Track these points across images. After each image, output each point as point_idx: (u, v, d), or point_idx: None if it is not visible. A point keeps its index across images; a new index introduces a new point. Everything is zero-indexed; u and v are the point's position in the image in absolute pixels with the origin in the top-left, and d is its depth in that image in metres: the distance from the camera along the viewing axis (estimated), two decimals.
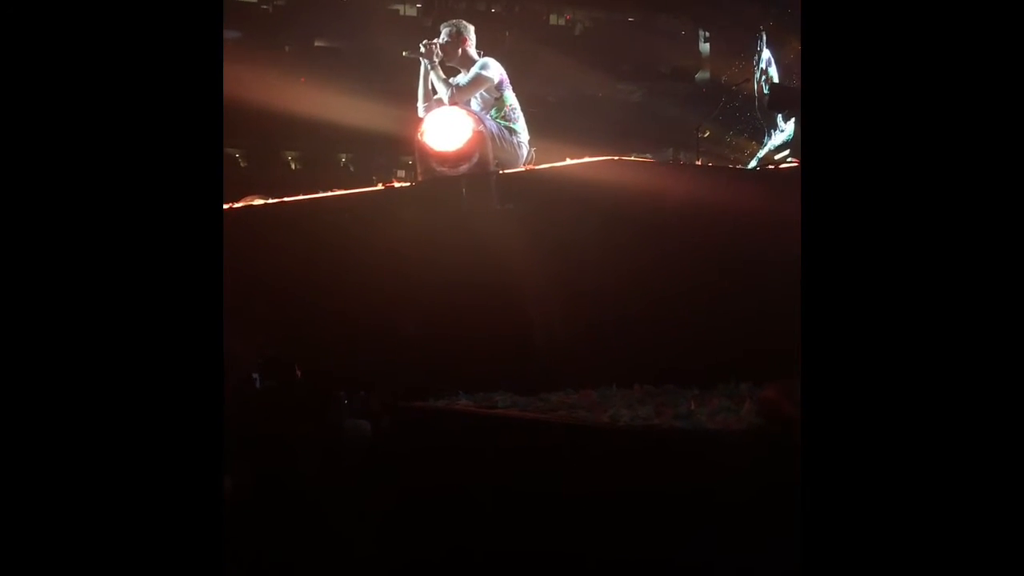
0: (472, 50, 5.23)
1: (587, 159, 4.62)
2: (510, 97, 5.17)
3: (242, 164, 11.75)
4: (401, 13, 12.69)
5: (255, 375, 4.01)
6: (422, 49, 5.13)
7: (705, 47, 12.48)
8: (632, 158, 5.19)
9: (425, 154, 4.87)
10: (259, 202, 5.12)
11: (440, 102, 5.14)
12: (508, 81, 5.18)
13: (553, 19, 12.59)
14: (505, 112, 5.14)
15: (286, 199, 5.03)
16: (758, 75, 7.50)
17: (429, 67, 5.12)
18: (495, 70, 5.14)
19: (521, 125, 5.21)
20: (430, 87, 5.17)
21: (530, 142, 5.25)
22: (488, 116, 5.07)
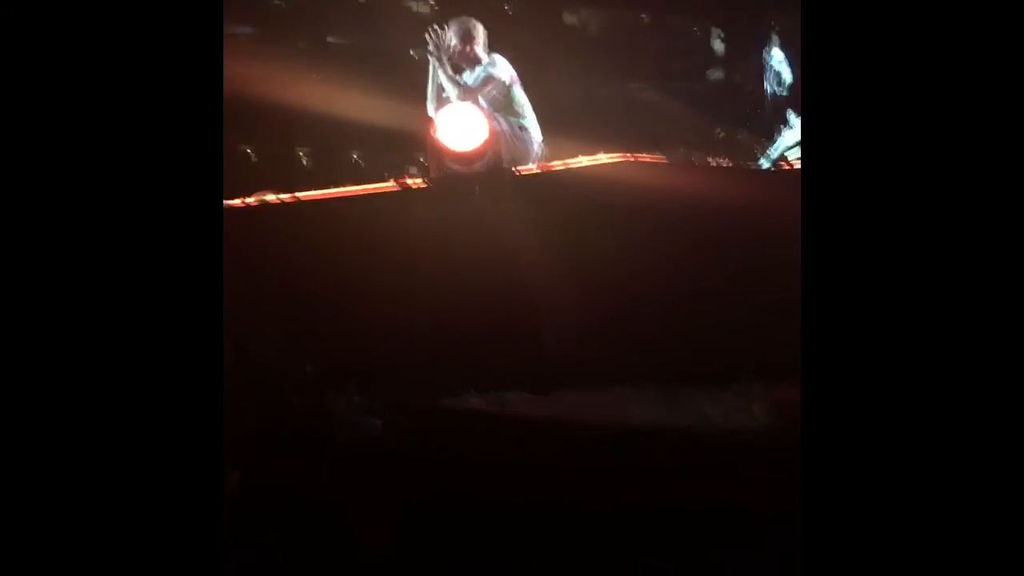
0: (481, 49, 5.22)
1: (600, 157, 4.61)
2: (519, 95, 5.16)
3: (254, 160, 11.74)
4: (415, 10, 12.67)
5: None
6: (428, 43, 5.11)
7: (719, 46, 12.44)
8: (645, 157, 5.18)
9: (439, 152, 4.86)
10: (271, 198, 5.12)
11: (449, 101, 5.14)
12: (518, 79, 5.17)
13: (566, 18, 12.55)
14: (515, 110, 5.14)
15: (298, 195, 5.03)
16: (769, 74, 7.48)
17: (437, 65, 5.11)
18: (504, 69, 5.12)
19: (532, 122, 5.20)
20: (439, 86, 5.17)
21: (543, 140, 5.25)
22: (499, 115, 5.07)
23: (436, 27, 5.13)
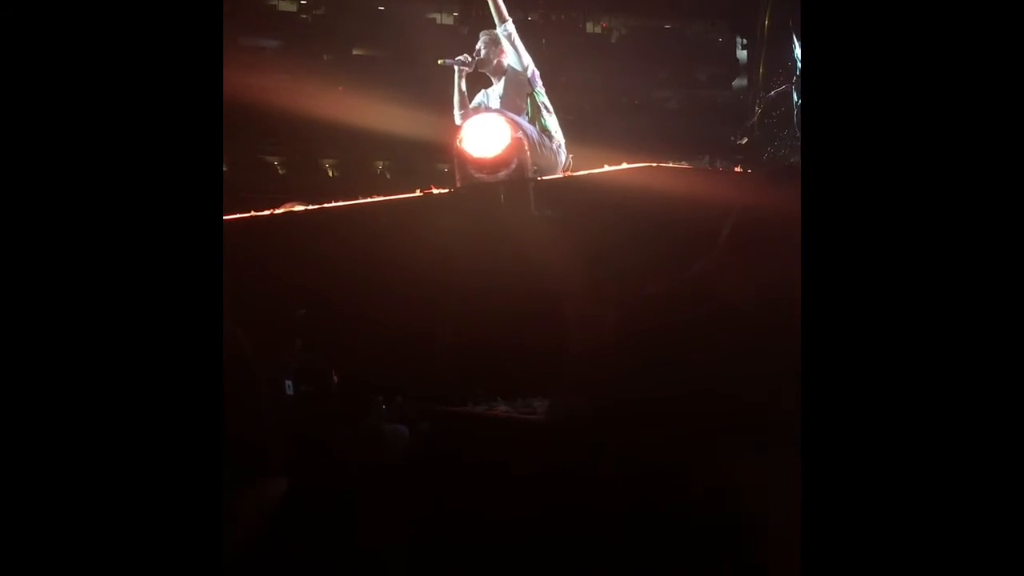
0: (507, 59, 5.26)
1: (625, 166, 4.60)
2: (542, 94, 5.24)
3: (281, 171, 11.82)
4: (438, 22, 12.73)
5: (288, 381, 4.03)
6: (459, 59, 5.20)
7: (742, 54, 12.40)
8: (670, 165, 5.17)
9: (463, 160, 4.89)
10: (299, 208, 5.16)
11: (476, 110, 5.18)
12: (539, 79, 5.26)
13: (589, 27, 12.56)
14: (539, 113, 5.20)
15: (325, 205, 5.06)
16: (795, 80, 7.44)
17: (457, 78, 5.22)
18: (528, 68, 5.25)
19: (553, 122, 5.24)
20: (463, 93, 5.26)
21: (567, 146, 5.26)
22: (524, 120, 5.10)
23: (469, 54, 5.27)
